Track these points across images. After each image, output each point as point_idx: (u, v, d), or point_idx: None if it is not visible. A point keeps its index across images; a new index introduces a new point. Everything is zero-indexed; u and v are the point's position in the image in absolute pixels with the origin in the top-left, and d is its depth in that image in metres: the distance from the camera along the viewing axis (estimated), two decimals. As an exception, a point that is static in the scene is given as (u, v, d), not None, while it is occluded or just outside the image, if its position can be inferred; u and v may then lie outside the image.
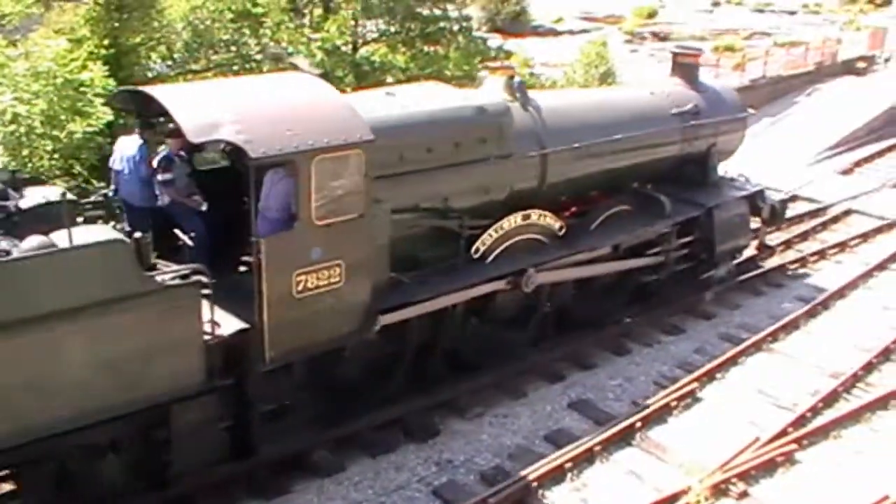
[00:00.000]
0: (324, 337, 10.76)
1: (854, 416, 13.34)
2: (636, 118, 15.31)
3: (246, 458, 10.72)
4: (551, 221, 13.70)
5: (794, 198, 20.89)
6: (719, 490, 11.34)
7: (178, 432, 9.82)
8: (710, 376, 14.23)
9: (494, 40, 34.86)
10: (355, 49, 21.64)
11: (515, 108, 13.51)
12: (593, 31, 62.29)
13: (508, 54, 26.41)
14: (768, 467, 11.91)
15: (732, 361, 14.77)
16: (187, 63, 19.61)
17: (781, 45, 49.79)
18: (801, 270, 19.07)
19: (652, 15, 79.61)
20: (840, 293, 17.75)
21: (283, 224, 10.34)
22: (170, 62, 19.67)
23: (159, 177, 11.14)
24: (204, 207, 11.35)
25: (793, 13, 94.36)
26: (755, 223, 17.96)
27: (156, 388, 9.38)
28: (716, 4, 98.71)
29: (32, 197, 9.92)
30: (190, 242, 10.61)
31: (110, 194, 11.47)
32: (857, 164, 27.18)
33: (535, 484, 11.21)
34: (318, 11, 22.27)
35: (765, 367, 14.77)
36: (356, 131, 10.46)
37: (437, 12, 22.56)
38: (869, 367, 14.80)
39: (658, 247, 15.71)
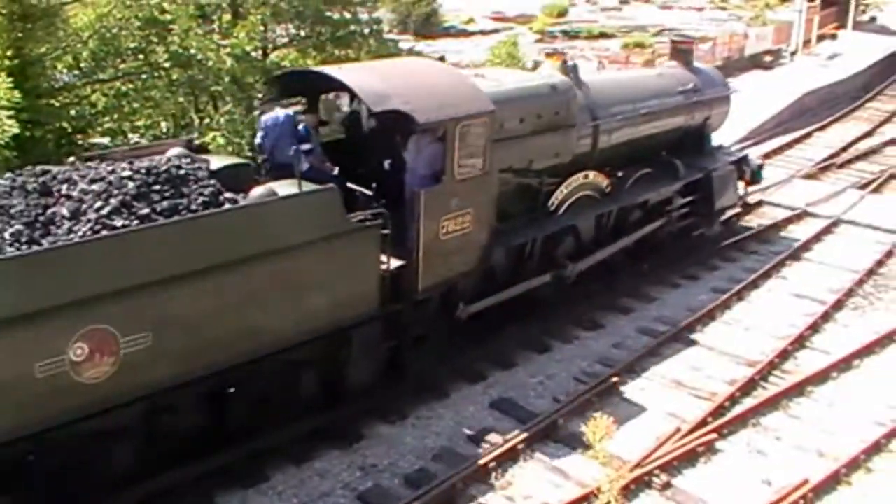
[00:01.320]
0: (455, 273, 13.23)
1: (772, 403, 13.62)
2: (655, 94, 18.19)
3: (399, 380, 12.97)
4: (601, 180, 16.50)
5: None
6: (642, 482, 11.49)
7: (356, 352, 11.92)
8: (629, 370, 14.41)
9: (406, 43, 34.86)
10: (265, 55, 21.43)
11: (567, 87, 15.73)
12: (504, 32, 62.49)
13: (420, 56, 26.45)
14: (690, 457, 12.10)
15: (651, 354, 14.96)
16: (95, 72, 19.23)
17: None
18: (716, 261, 19.37)
19: (562, 14, 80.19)
20: (754, 283, 18.10)
21: (431, 180, 12.62)
22: (76, 72, 19.29)
23: (303, 146, 12.57)
24: (335, 172, 13.10)
25: (700, 9, 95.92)
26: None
27: (344, 313, 11.48)
28: (624, 2, 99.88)
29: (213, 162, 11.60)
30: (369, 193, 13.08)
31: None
32: (767, 155, 27.73)
33: (460, 485, 11.21)
34: (227, 17, 21.98)
35: (683, 359, 14.99)
36: (484, 103, 13.07)
37: (348, 16, 22.43)
38: (784, 355, 15.13)
39: (670, 205, 18.46)
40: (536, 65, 25.55)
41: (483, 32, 68.43)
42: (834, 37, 48.91)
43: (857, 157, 28.82)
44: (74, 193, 9.88)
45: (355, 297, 11.60)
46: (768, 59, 41.65)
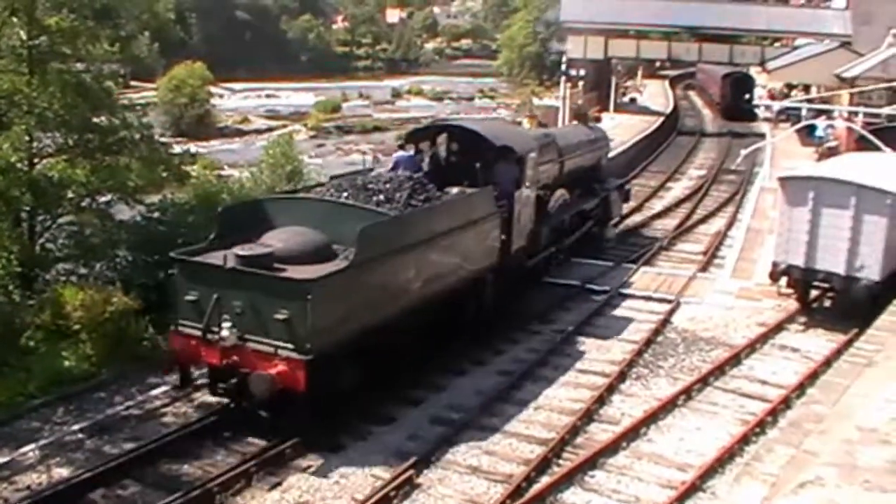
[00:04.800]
0: (523, 244, 21.03)
1: (567, 479, 13.91)
2: (581, 141, 26.39)
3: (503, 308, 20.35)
4: (566, 193, 24.52)
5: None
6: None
7: (488, 289, 19.37)
8: (425, 462, 14.40)
9: (179, 145, 34.31)
10: (32, 165, 20.68)
11: (549, 137, 23.94)
12: (279, 129, 62.69)
13: (194, 158, 26.16)
14: (490, 543, 12.12)
15: (446, 443, 15.01)
16: None
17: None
18: (500, 345, 19.70)
19: (336, 109, 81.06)
20: (539, 362, 18.55)
21: (512, 188, 20.08)
22: None
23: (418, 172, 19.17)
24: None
25: (470, 99, 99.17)
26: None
27: (482, 263, 18.80)
28: (396, 96, 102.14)
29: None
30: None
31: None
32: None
33: None
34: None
35: (478, 444, 15.12)
36: (533, 143, 21.58)
37: (116, 121, 21.94)
38: (574, 430, 15.51)
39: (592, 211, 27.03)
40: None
41: (258, 131, 68.50)
42: (598, 119, 51.40)
43: (627, 232, 30.24)
44: (380, 188, 17.22)
45: (492, 252, 19.19)
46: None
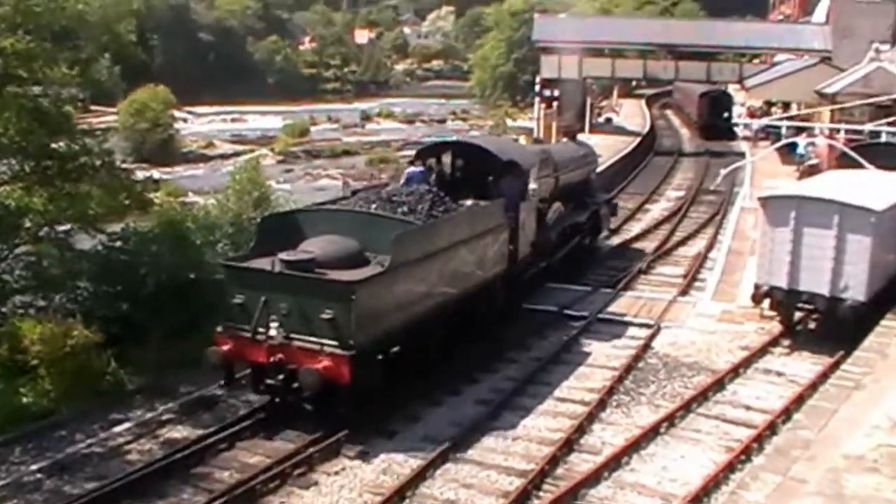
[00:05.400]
0: (527, 252, 22.94)
1: (546, 513, 13.81)
2: (575, 157, 28.64)
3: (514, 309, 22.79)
4: (561, 206, 26.78)
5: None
6: None
7: (498, 288, 21.44)
8: (400, 496, 14.30)
9: (142, 171, 34.16)
10: (-14, 193, 20.49)
11: (546, 152, 26.00)
12: (246, 154, 62.49)
13: (157, 185, 26.06)
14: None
15: (420, 477, 14.92)
16: None
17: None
18: (477, 373, 19.62)
19: (304, 133, 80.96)
20: (517, 391, 18.51)
21: (517, 200, 21.92)
22: None
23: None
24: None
25: (442, 121, 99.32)
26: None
27: (494, 269, 20.77)
28: (366, 119, 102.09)
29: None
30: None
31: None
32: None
33: None
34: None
35: (454, 477, 15.05)
36: (534, 158, 23.70)
37: (76, 147, 21.78)
38: (554, 461, 15.44)
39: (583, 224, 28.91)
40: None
41: (223, 156, 68.29)
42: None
43: (605, 256, 30.33)
44: (403, 200, 19.26)
45: (502, 260, 21.20)
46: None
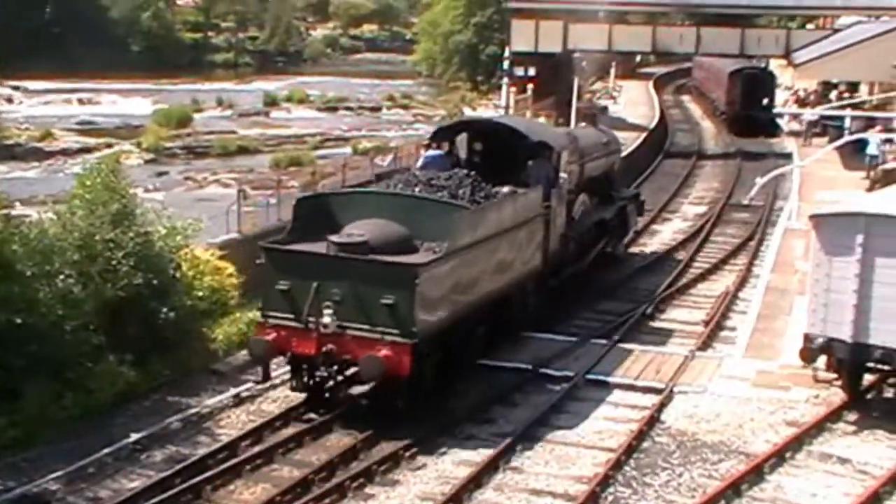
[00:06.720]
0: (558, 248, 27.02)
1: None
2: (599, 144, 32.54)
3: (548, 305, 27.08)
4: (587, 198, 30.50)
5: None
6: None
7: (530, 291, 25.70)
8: None
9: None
10: None
11: (572, 136, 29.96)
12: (99, 151, 61.75)
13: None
14: None
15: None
16: None
17: (364, 152, 51.78)
18: (419, 456, 19.41)
19: (184, 122, 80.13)
20: (474, 481, 18.24)
21: (548, 188, 25.71)
22: None
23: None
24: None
25: (376, 109, 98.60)
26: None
27: (529, 265, 24.78)
28: (271, 104, 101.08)
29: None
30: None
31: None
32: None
33: None
34: None
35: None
36: (564, 140, 28.02)
37: None
38: None
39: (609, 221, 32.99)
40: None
41: (67, 153, 67.54)
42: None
43: (597, 293, 30.32)
44: (442, 184, 23.01)
45: (537, 254, 25.08)
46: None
